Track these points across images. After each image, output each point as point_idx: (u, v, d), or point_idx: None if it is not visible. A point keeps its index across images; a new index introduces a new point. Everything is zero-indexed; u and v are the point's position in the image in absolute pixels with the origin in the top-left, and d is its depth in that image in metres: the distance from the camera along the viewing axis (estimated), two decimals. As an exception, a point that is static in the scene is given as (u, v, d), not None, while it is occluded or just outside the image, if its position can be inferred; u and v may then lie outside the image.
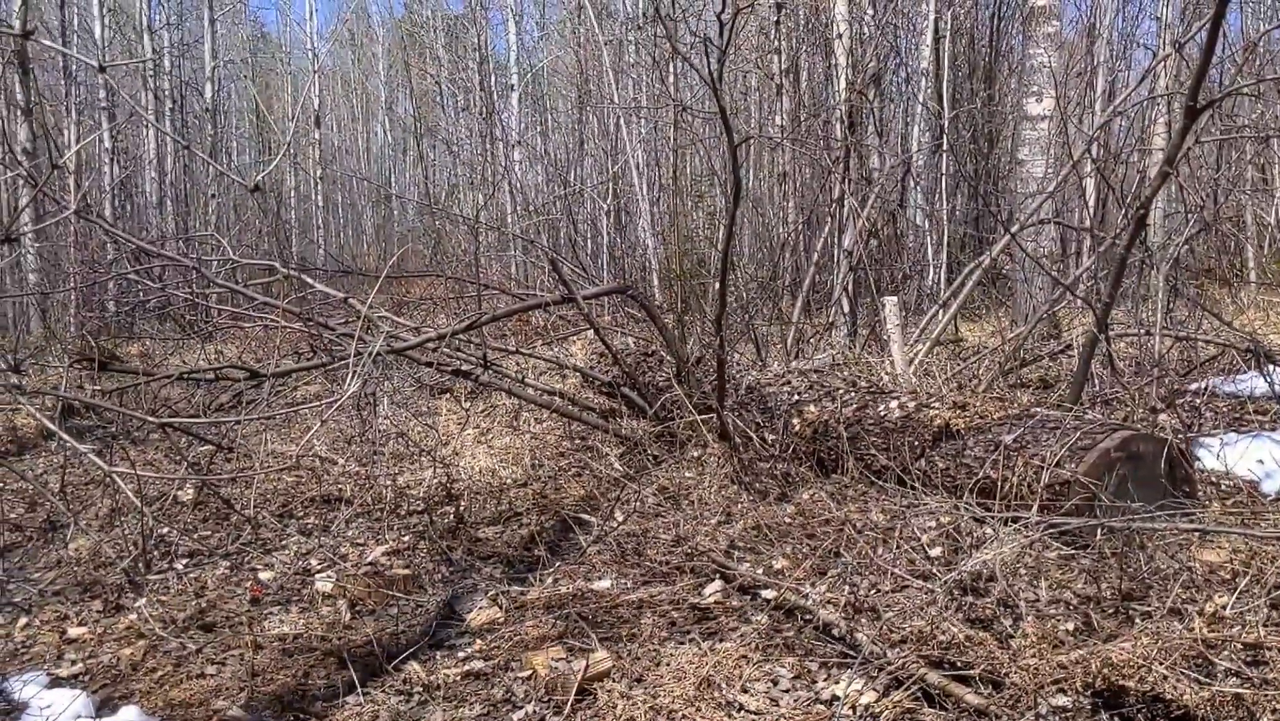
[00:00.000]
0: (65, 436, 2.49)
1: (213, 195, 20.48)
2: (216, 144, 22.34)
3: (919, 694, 3.04)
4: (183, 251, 6.56)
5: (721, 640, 3.59)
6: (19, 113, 15.70)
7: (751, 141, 14.06)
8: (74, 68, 19.54)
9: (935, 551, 3.93)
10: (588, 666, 3.30)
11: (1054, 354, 7.25)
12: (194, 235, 12.80)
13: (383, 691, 3.49)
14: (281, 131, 25.26)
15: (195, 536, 5.42)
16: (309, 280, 6.22)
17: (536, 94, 25.80)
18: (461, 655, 3.75)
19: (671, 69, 12.45)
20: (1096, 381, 6.15)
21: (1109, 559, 3.70)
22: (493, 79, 24.30)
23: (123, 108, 23.37)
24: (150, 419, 2.77)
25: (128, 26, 23.33)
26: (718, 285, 5.39)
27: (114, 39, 22.01)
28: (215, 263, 7.39)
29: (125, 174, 19.47)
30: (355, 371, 2.77)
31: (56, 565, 5.08)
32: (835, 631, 3.46)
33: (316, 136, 30.43)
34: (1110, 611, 3.42)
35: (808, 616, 3.62)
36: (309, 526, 5.52)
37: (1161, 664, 2.87)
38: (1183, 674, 2.85)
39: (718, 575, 4.14)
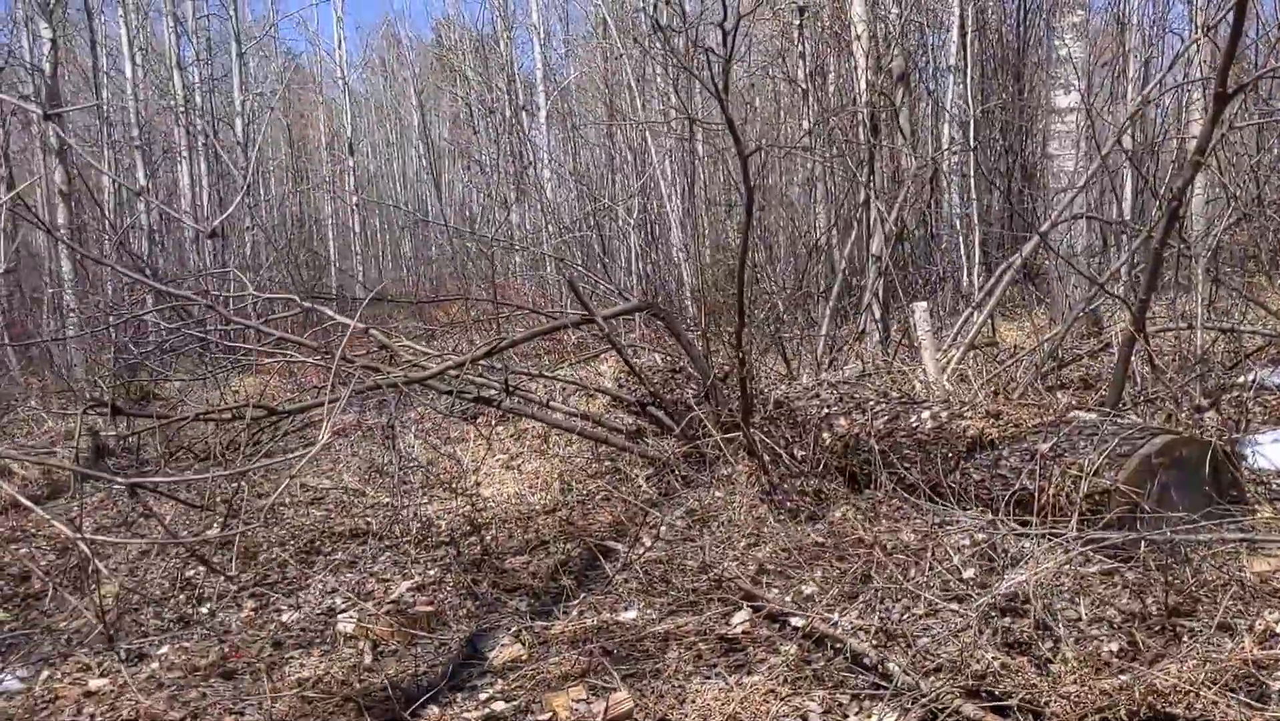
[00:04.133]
0: (27, 502, 2.40)
1: (247, 228, 20.60)
2: (248, 176, 22.44)
3: (954, 726, 2.90)
4: (201, 289, 6.52)
5: (749, 673, 3.46)
6: (54, 155, 15.84)
7: (782, 146, 13.87)
8: (106, 108, 19.75)
9: (968, 573, 3.77)
10: (608, 708, 3.17)
11: (1094, 352, 7.04)
12: (210, 271, 12.80)
13: (400, 739, 3.39)
14: (290, 167, 25.40)
15: (223, 577, 5.35)
16: (329, 312, 6.15)
17: (565, 110, 25.76)
18: (483, 696, 3.64)
19: (684, 80, 12.31)
20: (1139, 380, 5.94)
21: (1154, 572, 3.52)
22: (520, 98, 24.32)
23: (158, 145, 23.58)
24: (118, 480, 2.68)
25: (159, 65, 23.56)
26: (739, 299, 5.25)
27: (145, 77, 22.22)
28: (233, 298, 7.36)
29: (153, 209, 19.57)
30: (329, 418, 2.66)
31: (84, 612, 5.03)
32: (866, 661, 3.31)
33: (351, 164, 30.63)
34: (1156, 629, 3.25)
35: (838, 645, 3.47)
36: (335, 562, 5.44)
37: (1210, 688, 2.70)
38: (1233, 698, 2.68)
39: (746, 603, 4.00)
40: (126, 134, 22.06)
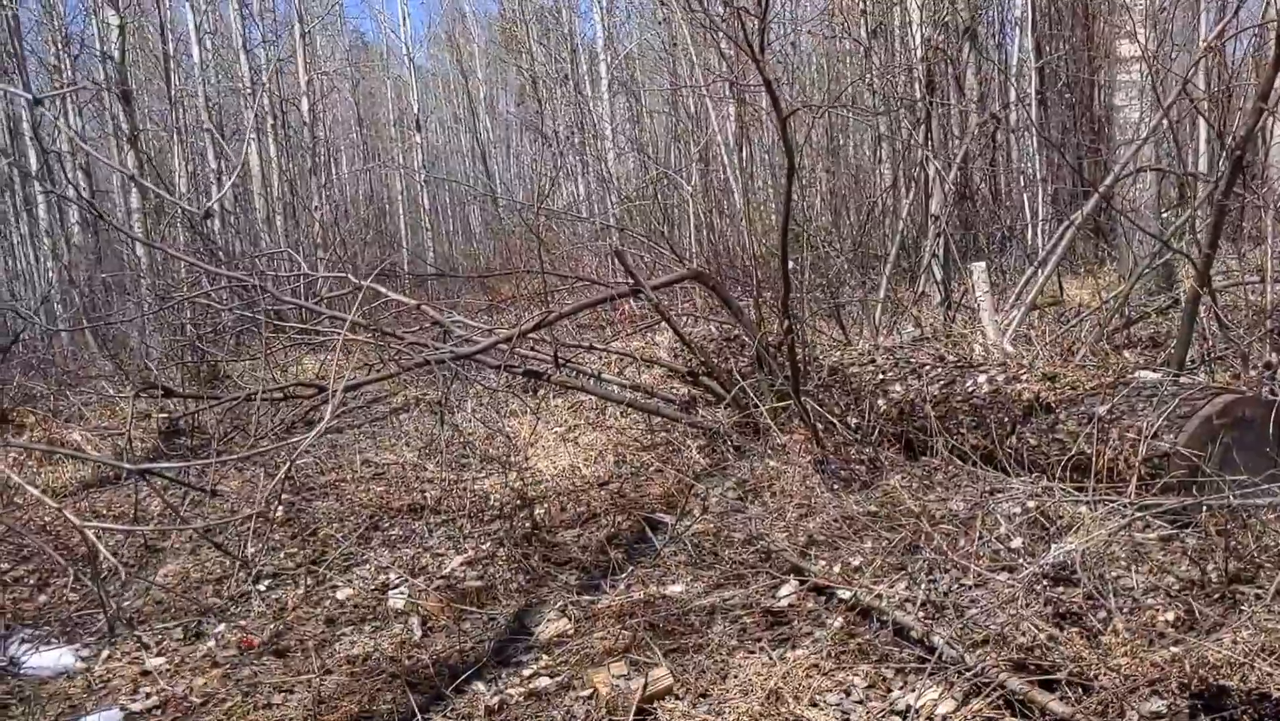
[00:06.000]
0: (38, 493, 2.42)
1: (315, 207, 20.80)
2: (316, 156, 22.66)
3: (1000, 701, 2.81)
4: (257, 268, 6.58)
5: (794, 647, 3.40)
6: (125, 140, 16.10)
7: (850, 108, 13.57)
8: (175, 92, 20.03)
9: (1017, 542, 3.65)
10: (646, 685, 3.14)
11: (1163, 309, 6.81)
12: (268, 251, 12.92)
13: (444, 716, 3.39)
14: (360, 145, 25.56)
15: (282, 554, 5.41)
16: (383, 290, 6.17)
17: (625, 77, 25.59)
18: (527, 672, 3.63)
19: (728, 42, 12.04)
20: (1208, 338, 5.73)
21: (1215, 537, 3.38)
22: (584, 67, 24.22)
23: (228, 127, 23.91)
24: (126, 466, 2.71)
25: (226, 48, 23.85)
26: (783, 266, 5.15)
27: (211, 60, 22.50)
28: (301, 276, 7.41)
29: (202, 194, 19.85)
30: (334, 404, 2.63)
31: (146, 591, 5.11)
32: (912, 634, 3.23)
33: (419, 140, 30.82)
34: (1215, 597, 3.12)
35: (884, 617, 3.40)
36: (392, 538, 5.46)
37: (1265, 659, 2.59)
38: (1291, 670, 2.56)
39: (793, 575, 3.94)
40: (197, 117, 22.39)
